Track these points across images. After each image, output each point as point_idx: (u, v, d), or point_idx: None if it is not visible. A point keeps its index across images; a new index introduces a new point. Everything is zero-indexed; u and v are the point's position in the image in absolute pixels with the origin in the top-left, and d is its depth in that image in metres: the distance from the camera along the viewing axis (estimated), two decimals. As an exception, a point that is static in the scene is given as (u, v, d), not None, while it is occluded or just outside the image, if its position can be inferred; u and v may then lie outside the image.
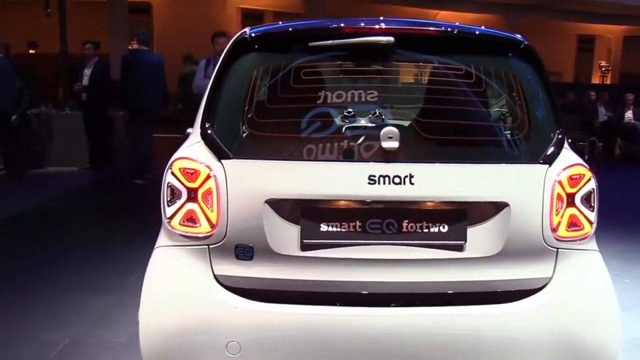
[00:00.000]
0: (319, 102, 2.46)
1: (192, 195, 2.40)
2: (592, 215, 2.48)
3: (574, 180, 2.45)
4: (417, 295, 2.41)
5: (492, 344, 2.37)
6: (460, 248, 2.40)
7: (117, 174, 10.10)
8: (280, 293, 2.40)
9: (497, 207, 2.40)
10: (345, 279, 2.39)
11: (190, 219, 2.41)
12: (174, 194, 2.43)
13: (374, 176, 2.35)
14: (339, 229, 2.39)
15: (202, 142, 2.46)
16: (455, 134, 2.50)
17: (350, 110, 2.43)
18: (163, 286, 2.48)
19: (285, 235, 2.38)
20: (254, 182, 2.38)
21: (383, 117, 2.42)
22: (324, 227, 2.39)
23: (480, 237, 2.40)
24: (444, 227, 2.40)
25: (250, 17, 24.88)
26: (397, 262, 2.40)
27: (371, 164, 2.37)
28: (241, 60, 2.56)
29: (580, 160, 2.52)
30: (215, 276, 2.42)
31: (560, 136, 2.52)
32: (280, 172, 2.38)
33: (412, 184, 2.35)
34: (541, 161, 2.45)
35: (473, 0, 22.61)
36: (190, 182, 2.41)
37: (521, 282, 2.44)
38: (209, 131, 2.47)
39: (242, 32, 2.67)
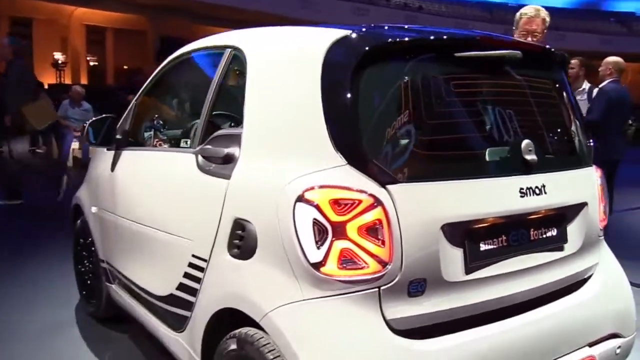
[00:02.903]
0: (469, 116, 2.43)
1: (341, 231, 2.09)
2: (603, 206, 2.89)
3: (601, 177, 2.89)
4: (545, 296, 2.56)
5: (586, 322, 2.64)
6: (562, 248, 2.62)
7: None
8: (452, 324, 2.26)
9: (581, 207, 2.69)
10: (502, 295, 2.40)
11: (349, 260, 2.10)
12: (321, 233, 2.10)
13: (523, 189, 2.42)
14: (492, 246, 2.38)
15: (349, 166, 2.15)
16: (563, 143, 2.80)
17: (492, 123, 2.44)
18: (331, 354, 2.08)
19: (453, 260, 2.25)
20: (429, 208, 2.19)
21: (517, 129, 2.48)
22: (482, 247, 2.34)
23: (572, 236, 2.66)
24: (554, 231, 2.59)
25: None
26: (530, 270, 2.50)
27: (517, 177, 2.43)
28: (380, 68, 2.27)
29: None
30: (387, 322, 2.12)
31: (590, 140, 2.92)
32: (454, 193, 2.26)
33: (545, 193, 2.49)
34: (592, 164, 2.87)
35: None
36: (342, 215, 2.09)
37: (591, 269, 2.79)
38: (361, 152, 2.16)
39: (376, 35, 2.40)
